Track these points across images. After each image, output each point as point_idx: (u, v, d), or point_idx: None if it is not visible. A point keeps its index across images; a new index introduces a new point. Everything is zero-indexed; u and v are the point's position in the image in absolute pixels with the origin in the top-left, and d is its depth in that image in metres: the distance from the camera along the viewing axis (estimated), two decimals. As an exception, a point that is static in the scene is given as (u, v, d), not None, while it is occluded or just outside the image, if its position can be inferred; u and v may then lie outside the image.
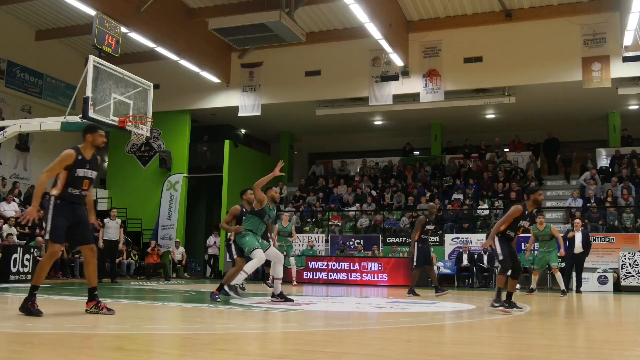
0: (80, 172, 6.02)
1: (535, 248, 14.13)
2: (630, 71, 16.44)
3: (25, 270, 13.33)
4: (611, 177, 18.49)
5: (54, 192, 6.06)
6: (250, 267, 8.39)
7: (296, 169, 25.46)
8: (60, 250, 6.16)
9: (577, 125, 21.51)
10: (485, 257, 16.46)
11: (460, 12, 17.71)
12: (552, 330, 5.80)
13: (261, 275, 16.40)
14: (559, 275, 12.96)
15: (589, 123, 21.39)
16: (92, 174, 6.15)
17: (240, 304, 8.13)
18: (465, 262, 16.56)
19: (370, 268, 16.84)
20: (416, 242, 11.59)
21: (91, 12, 14.09)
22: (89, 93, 10.52)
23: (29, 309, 5.85)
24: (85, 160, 6.05)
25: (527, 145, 21.38)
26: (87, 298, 6.27)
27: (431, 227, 11.88)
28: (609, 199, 17.31)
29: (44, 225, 6.03)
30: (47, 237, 5.92)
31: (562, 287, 12.85)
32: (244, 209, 9.07)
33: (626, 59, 15.87)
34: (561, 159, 20.64)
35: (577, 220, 14.30)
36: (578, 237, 13.81)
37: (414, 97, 18.55)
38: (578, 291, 13.86)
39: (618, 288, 14.76)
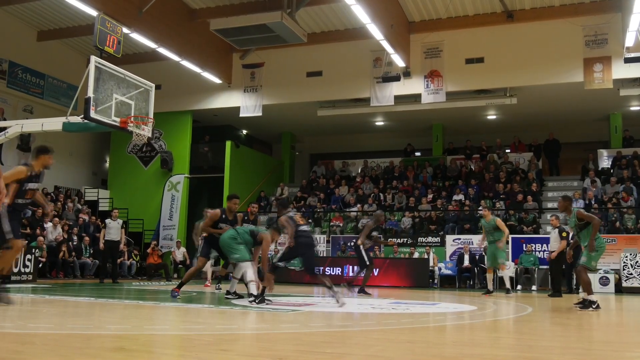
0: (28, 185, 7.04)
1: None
2: (631, 72, 16.42)
3: (27, 270, 13.35)
4: (614, 178, 18.48)
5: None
6: (250, 276, 8.40)
7: (297, 170, 25.48)
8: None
9: (578, 126, 21.50)
10: (486, 258, 16.44)
11: (461, 13, 17.70)
12: (553, 331, 5.79)
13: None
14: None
15: (590, 124, 21.38)
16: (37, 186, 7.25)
17: (241, 304, 8.14)
18: (466, 262, 16.55)
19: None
20: (360, 246, 12.00)
21: (93, 12, 14.11)
22: (90, 94, 10.52)
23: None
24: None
25: (528, 146, 21.37)
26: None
27: (375, 233, 12.43)
28: (614, 200, 17.28)
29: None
30: (9, 236, 6.65)
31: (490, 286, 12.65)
32: (224, 215, 9.37)
33: (628, 60, 15.85)
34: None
35: (552, 217, 13.80)
36: (552, 236, 13.41)
37: (416, 97, 18.54)
38: (557, 293, 12.71)
39: (619, 289, 14.74)
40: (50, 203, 12.18)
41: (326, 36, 19.06)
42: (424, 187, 20.37)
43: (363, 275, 12.47)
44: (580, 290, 9.36)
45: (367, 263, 12.10)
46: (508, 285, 12.65)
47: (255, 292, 8.19)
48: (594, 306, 8.27)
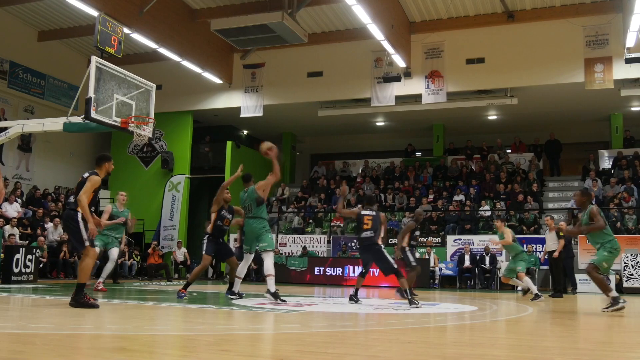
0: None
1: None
2: (632, 72, 16.44)
3: (28, 270, 13.34)
4: (614, 178, 18.48)
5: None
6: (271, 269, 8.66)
7: (298, 170, 25.48)
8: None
9: (579, 126, 21.49)
10: (487, 259, 16.45)
11: (462, 13, 17.71)
12: (554, 332, 5.79)
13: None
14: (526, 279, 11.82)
15: (591, 124, 21.38)
16: None
17: (242, 304, 8.14)
18: (467, 263, 16.55)
19: (372, 269, 16.82)
20: (406, 247, 11.29)
21: (94, 13, 14.12)
22: (91, 94, 10.51)
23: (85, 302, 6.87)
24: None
25: (529, 147, 21.37)
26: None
27: (418, 233, 11.82)
28: (615, 200, 17.28)
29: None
30: (87, 243, 6.99)
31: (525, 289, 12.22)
32: (223, 205, 9.89)
33: (629, 61, 15.85)
34: None
35: (547, 218, 13.86)
36: (550, 237, 13.36)
37: (416, 98, 18.55)
38: (558, 293, 12.78)
39: (620, 290, 14.74)
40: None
41: (327, 36, 19.07)
42: (424, 187, 20.37)
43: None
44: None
45: (414, 264, 11.29)
46: (535, 289, 11.44)
47: (272, 289, 8.46)
48: (621, 301, 7.90)
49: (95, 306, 6.79)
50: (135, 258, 18.58)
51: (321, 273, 17.34)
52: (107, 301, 8.55)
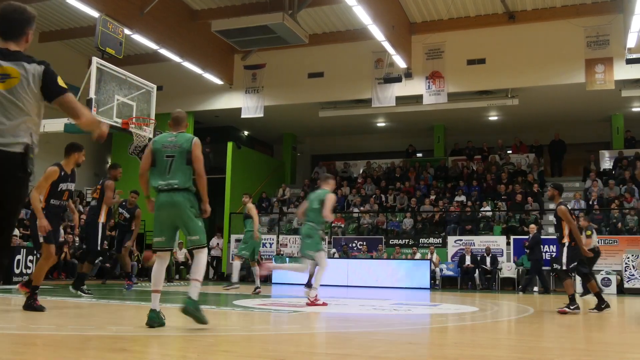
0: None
1: None
2: (633, 73, 16.41)
3: (29, 271, 13.35)
4: (616, 179, 18.47)
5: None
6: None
7: (299, 171, 25.48)
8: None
9: (580, 127, 21.48)
10: (488, 259, 16.45)
11: (463, 14, 17.70)
12: (554, 332, 5.79)
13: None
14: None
15: (592, 125, 21.36)
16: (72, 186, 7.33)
17: (243, 305, 8.14)
18: (468, 263, 16.54)
19: (373, 270, 16.82)
20: None
21: (94, 14, 14.11)
22: (92, 95, 10.55)
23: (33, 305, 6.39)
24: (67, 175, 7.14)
25: (529, 147, 21.37)
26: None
27: None
28: (616, 201, 17.26)
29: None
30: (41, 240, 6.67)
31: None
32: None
33: (629, 61, 15.82)
34: None
35: (532, 226, 15.21)
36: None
37: (417, 98, 18.53)
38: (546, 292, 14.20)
39: (621, 290, 14.73)
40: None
41: (327, 37, 19.07)
42: (425, 187, 20.37)
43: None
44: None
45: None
46: None
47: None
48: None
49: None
50: (136, 259, 18.58)
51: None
52: (108, 302, 8.56)
